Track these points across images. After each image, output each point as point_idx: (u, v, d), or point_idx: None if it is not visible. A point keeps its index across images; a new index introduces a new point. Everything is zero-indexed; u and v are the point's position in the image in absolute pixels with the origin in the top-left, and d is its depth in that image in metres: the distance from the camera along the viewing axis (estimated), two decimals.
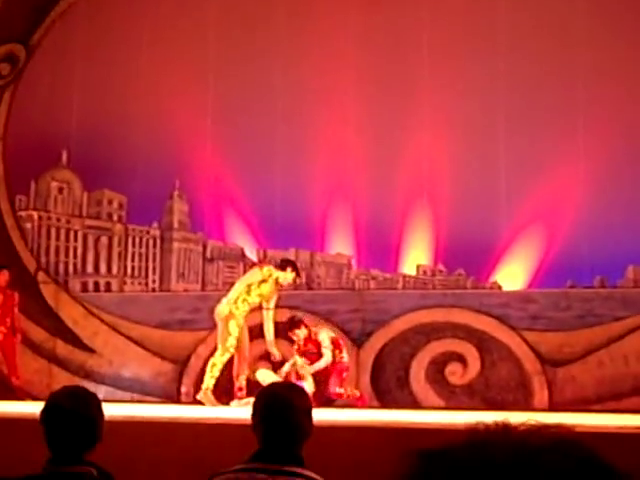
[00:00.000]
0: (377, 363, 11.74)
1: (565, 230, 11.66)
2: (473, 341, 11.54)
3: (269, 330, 10.28)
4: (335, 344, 10.52)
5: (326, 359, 10.35)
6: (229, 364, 10.15)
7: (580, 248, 11.43)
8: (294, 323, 10.52)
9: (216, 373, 10.03)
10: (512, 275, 11.99)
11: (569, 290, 11.54)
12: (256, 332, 10.36)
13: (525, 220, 11.85)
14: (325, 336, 10.49)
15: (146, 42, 12.97)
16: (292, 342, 10.50)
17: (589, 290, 11.50)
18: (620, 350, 11.13)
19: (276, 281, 10.21)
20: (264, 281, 10.15)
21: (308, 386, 9.86)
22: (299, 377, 10.25)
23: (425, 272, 12.41)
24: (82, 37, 13.32)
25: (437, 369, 11.66)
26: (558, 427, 1.11)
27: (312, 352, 10.43)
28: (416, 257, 12.41)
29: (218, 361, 10.04)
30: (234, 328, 10.03)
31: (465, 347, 11.55)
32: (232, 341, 10.03)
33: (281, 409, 3.65)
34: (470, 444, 1.11)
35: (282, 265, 10.34)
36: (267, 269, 10.32)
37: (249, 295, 10.12)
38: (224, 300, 10.15)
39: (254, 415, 3.71)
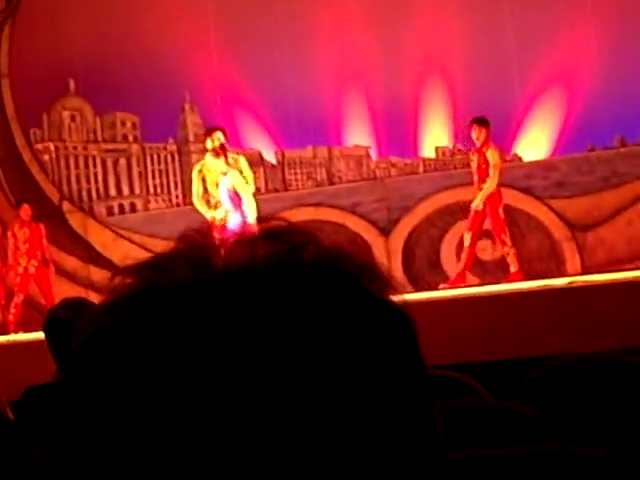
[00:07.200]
0: (407, 249, 11.75)
1: (580, 94, 11.52)
2: None
3: None
4: None
5: None
6: None
7: (597, 110, 11.29)
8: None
9: None
10: (531, 145, 11.90)
11: (589, 153, 11.45)
12: None
13: (540, 88, 11.72)
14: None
15: None
16: None
17: (610, 151, 11.39)
18: None
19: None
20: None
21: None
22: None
23: (444, 153, 12.34)
24: None
25: None
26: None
27: None
28: (434, 139, 12.34)
29: None
30: None
31: None
32: None
33: None
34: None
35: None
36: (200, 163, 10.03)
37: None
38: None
39: None
